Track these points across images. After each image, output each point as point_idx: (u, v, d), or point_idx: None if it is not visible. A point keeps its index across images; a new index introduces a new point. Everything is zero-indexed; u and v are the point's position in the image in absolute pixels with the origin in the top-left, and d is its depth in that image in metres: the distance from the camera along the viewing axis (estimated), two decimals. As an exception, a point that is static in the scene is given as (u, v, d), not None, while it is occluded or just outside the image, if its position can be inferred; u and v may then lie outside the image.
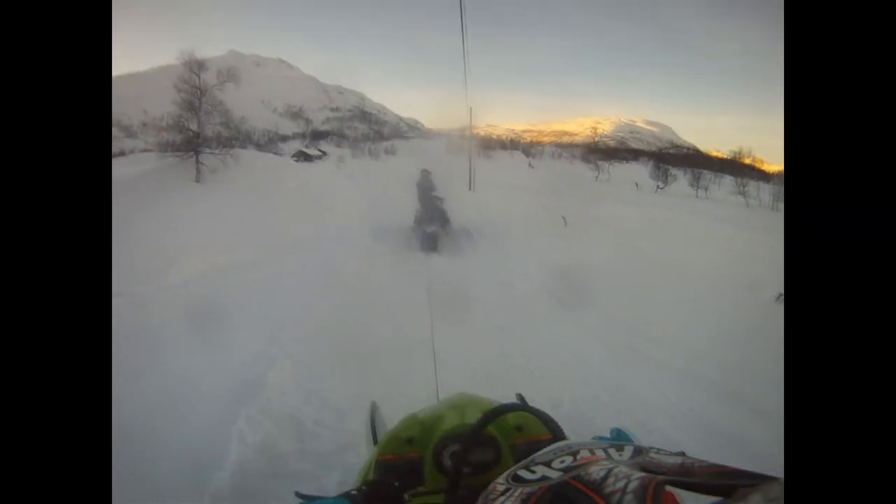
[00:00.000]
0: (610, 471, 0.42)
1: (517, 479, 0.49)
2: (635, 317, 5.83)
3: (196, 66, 18.50)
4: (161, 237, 9.54)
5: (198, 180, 16.62)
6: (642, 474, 0.40)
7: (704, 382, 4.08)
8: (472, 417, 1.03)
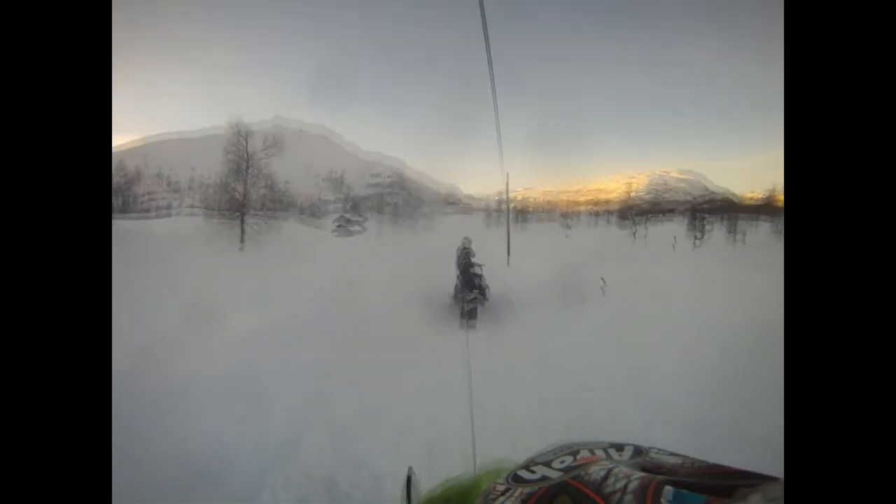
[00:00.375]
0: (610, 471, 0.42)
1: (517, 480, 0.49)
2: (677, 380, 5.55)
3: (244, 133, 19.32)
4: (204, 293, 9.55)
5: (242, 240, 17.74)
6: (642, 474, 0.40)
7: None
8: None
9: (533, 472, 0.50)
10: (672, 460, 0.46)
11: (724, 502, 0.36)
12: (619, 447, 0.53)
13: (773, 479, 0.37)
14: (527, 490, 0.46)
